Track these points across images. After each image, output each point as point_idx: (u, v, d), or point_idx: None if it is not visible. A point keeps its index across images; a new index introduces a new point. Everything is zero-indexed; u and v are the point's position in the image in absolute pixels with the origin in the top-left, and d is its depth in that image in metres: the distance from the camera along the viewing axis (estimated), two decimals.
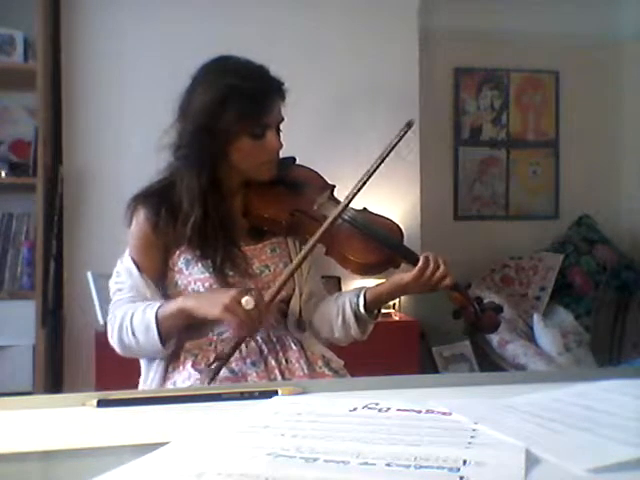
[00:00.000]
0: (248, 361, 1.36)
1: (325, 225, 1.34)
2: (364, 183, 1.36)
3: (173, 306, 1.32)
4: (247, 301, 1.24)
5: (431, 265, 1.35)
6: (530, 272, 3.42)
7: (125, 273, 1.41)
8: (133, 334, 1.33)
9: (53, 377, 2.73)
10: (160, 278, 1.45)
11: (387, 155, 1.37)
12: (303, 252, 1.35)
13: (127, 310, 1.35)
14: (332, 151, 2.82)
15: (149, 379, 1.43)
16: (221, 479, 0.57)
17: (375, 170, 1.36)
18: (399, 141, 1.37)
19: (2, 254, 2.70)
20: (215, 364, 1.31)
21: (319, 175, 1.57)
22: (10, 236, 2.72)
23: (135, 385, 1.47)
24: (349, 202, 1.38)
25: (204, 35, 2.76)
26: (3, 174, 2.68)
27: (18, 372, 2.58)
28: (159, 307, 1.32)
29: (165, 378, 1.40)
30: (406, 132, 1.38)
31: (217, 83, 1.38)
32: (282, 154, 1.48)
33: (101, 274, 1.49)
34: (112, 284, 1.44)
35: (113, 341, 1.38)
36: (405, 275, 1.37)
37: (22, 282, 2.69)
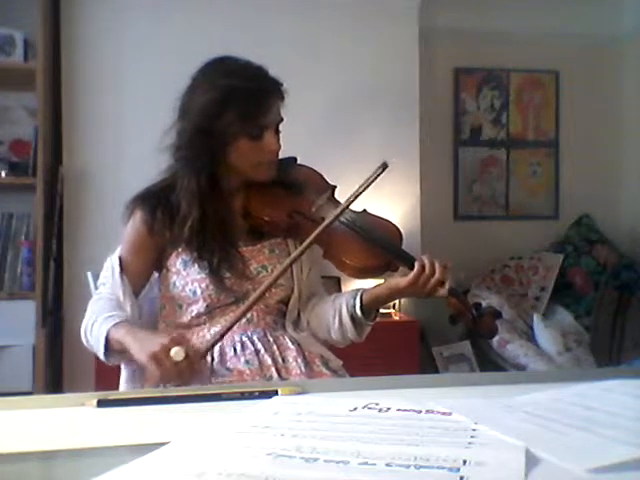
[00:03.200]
0: (242, 359, 1.36)
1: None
2: (351, 202, 1.35)
3: (119, 335, 1.30)
4: (177, 352, 1.18)
5: (427, 271, 1.32)
6: (530, 272, 3.42)
7: (109, 270, 1.42)
8: (91, 336, 1.35)
9: (53, 377, 2.73)
10: (143, 282, 1.46)
11: (362, 192, 1.34)
12: (291, 258, 1.34)
13: (94, 312, 1.37)
14: (332, 151, 2.82)
15: (122, 379, 1.47)
16: (221, 479, 0.57)
17: (352, 202, 1.35)
18: (374, 181, 1.34)
19: (2, 254, 2.70)
20: None
21: (320, 175, 1.56)
22: (10, 236, 2.72)
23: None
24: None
25: (204, 35, 2.76)
26: (3, 174, 2.68)
27: (18, 372, 2.58)
28: (114, 325, 1.31)
29: (132, 379, 1.43)
30: (380, 174, 1.34)
31: (216, 84, 1.37)
32: (283, 154, 1.47)
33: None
34: (100, 277, 1.47)
35: (81, 331, 1.40)
36: (401, 280, 1.35)
37: (22, 282, 2.69)
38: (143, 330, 1.36)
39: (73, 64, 2.79)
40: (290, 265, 1.34)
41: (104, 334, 1.31)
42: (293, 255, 1.34)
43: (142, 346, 1.23)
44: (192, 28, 2.83)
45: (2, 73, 2.72)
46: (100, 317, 1.34)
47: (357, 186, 1.37)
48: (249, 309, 1.31)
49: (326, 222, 1.35)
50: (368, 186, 1.34)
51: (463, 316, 1.39)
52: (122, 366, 1.48)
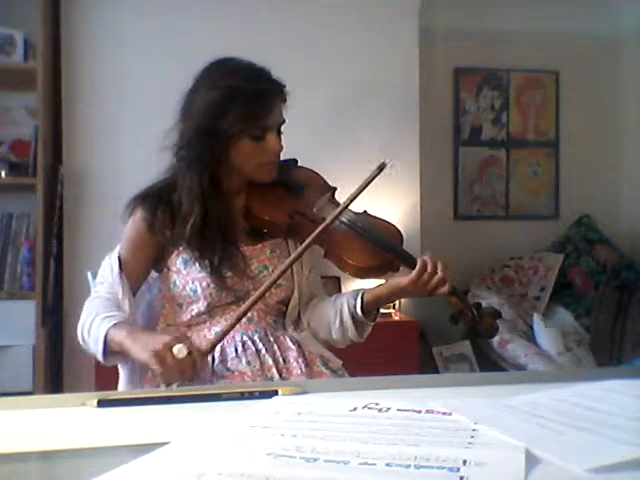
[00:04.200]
0: (244, 360, 1.36)
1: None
2: (350, 202, 1.37)
3: (119, 336, 1.29)
4: (179, 349, 1.19)
5: (428, 269, 1.33)
6: (530, 272, 3.42)
7: (108, 269, 1.42)
8: (89, 335, 1.35)
9: (53, 377, 2.72)
10: (140, 281, 1.46)
11: (359, 193, 1.36)
12: (293, 256, 1.34)
13: (92, 310, 1.36)
14: (333, 152, 2.82)
15: (121, 381, 1.47)
16: (221, 479, 0.57)
17: (351, 202, 1.37)
18: (371, 181, 1.36)
19: (2, 254, 2.70)
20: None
21: (320, 177, 1.57)
22: (10, 236, 2.72)
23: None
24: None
25: (204, 35, 2.76)
26: (3, 174, 2.68)
27: (18, 372, 2.58)
28: (112, 325, 1.30)
29: (132, 382, 1.43)
30: (377, 174, 1.36)
31: (219, 84, 1.38)
32: (284, 155, 1.48)
33: None
34: (98, 276, 1.46)
35: (78, 330, 1.39)
36: (403, 279, 1.36)
37: (22, 282, 2.69)
38: (142, 331, 1.37)
39: (73, 64, 2.79)
40: (290, 266, 1.34)
41: (103, 335, 1.30)
42: (293, 256, 1.35)
43: (143, 346, 1.23)
44: (193, 28, 2.82)
45: (2, 73, 2.72)
46: (98, 317, 1.33)
47: (356, 187, 1.38)
48: (250, 308, 1.31)
49: (325, 223, 1.35)
50: (365, 187, 1.36)
51: (464, 315, 1.40)
52: (120, 368, 1.48)
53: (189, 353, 1.19)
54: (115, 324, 1.31)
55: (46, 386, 2.60)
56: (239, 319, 1.30)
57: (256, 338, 1.40)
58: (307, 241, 1.33)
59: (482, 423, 0.73)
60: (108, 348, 1.31)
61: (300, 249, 1.34)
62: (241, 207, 1.48)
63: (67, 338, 2.75)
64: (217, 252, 1.39)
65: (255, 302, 1.30)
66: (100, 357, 1.33)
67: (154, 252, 1.44)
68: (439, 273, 1.33)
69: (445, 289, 1.34)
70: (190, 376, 1.23)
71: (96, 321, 1.33)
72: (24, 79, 2.68)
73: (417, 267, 1.34)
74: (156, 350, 1.19)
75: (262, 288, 1.30)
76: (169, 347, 1.19)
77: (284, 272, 1.32)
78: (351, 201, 1.36)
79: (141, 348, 1.24)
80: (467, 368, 3.12)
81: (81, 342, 1.39)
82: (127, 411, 0.90)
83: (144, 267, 1.45)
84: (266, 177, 1.46)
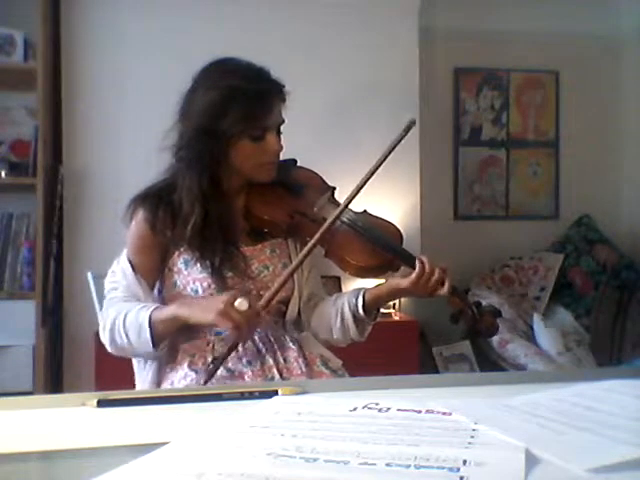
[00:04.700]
0: (244, 360, 1.37)
1: (323, 227, 1.35)
2: (363, 184, 1.37)
3: (167, 312, 1.30)
4: (241, 303, 1.24)
5: (428, 270, 1.34)
6: (530, 272, 3.42)
7: (120, 273, 1.41)
8: (126, 334, 1.32)
9: (53, 377, 2.73)
10: (155, 279, 1.45)
11: (389, 153, 1.37)
12: (302, 255, 1.35)
13: (121, 309, 1.34)
14: (332, 152, 2.82)
15: (142, 380, 1.44)
16: (221, 479, 0.57)
17: (376, 169, 1.37)
18: (402, 139, 1.38)
19: (2, 254, 2.70)
20: (212, 365, 1.32)
21: (320, 177, 1.57)
22: (10, 236, 2.72)
23: (134, 385, 1.47)
24: (348, 204, 1.38)
25: (204, 35, 2.76)
26: (3, 174, 2.68)
27: (18, 372, 2.58)
28: (154, 309, 1.31)
29: (158, 379, 1.41)
30: (408, 131, 1.38)
31: (218, 85, 1.38)
32: (283, 155, 1.48)
33: (101, 274, 1.49)
34: (107, 283, 1.45)
35: (105, 339, 1.36)
36: (403, 279, 1.37)
37: (22, 282, 2.69)
38: (193, 299, 1.38)
39: (73, 64, 2.79)
40: (309, 252, 1.36)
41: (147, 320, 1.29)
42: (311, 243, 1.35)
43: (204, 309, 1.26)
44: (192, 29, 2.83)
45: (2, 73, 2.72)
46: (132, 311, 1.32)
47: (356, 186, 1.38)
48: (286, 280, 1.35)
49: (351, 192, 1.36)
50: (393, 148, 1.38)
51: (464, 314, 1.40)
52: (141, 368, 1.45)
53: (249, 306, 1.24)
54: (155, 307, 1.32)
55: (46, 386, 2.61)
56: (278, 290, 1.33)
57: (256, 338, 1.40)
58: (323, 227, 1.34)
59: (482, 423, 0.73)
60: (154, 332, 1.30)
61: (314, 239, 1.35)
62: (241, 207, 1.48)
63: (67, 338, 2.75)
64: (218, 252, 1.39)
65: (290, 274, 1.35)
66: (149, 344, 1.30)
67: (160, 250, 1.43)
68: (437, 274, 1.35)
69: (444, 290, 1.36)
70: (256, 326, 1.30)
71: (131, 315, 1.32)
72: (24, 79, 2.68)
73: (417, 268, 1.35)
74: (220, 309, 1.23)
75: (296, 260, 1.35)
76: (231, 303, 1.23)
77: (303, 259, 1.35)
78: (378, 166, 1.38)
79: (203, 311, 1.26)
80: (467, 368, 3.12)
81: (112, 347, 1.36)
82: (127, 411, 0.90)
83: (155, 265, 1.44)
84: (266, 177, 1.46)
